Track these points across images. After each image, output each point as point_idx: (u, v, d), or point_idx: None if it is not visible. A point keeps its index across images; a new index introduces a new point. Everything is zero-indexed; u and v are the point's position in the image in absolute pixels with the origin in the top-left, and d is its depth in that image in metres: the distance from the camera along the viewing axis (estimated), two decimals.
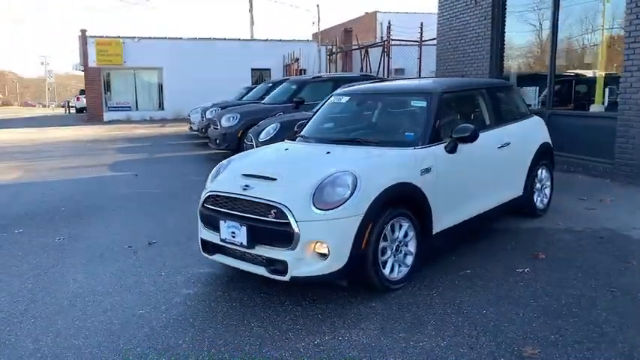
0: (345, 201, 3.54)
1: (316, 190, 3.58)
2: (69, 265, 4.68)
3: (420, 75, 15.96)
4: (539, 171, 5.61)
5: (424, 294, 3.81)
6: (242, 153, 5.08)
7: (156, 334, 3.33)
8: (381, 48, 18.49)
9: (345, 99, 5.17)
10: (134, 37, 27.19)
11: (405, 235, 3.92)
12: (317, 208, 3.51)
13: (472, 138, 4.28)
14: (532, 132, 5.62)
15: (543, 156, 5.65)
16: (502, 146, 4.95)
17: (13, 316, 3.66)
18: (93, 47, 26.54)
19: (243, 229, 3.64)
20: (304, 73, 23.18)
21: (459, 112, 4.97)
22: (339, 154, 4.16)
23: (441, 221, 4.20)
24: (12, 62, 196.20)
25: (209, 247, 4.06)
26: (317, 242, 3.51)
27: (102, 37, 27.03)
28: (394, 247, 3.85)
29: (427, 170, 4.04)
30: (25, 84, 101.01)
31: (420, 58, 16.32)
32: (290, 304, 3.68)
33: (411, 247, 3.97)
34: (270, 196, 3.60)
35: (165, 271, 4.44)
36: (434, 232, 4.13)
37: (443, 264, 4.37)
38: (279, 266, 3.55)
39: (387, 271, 3.78)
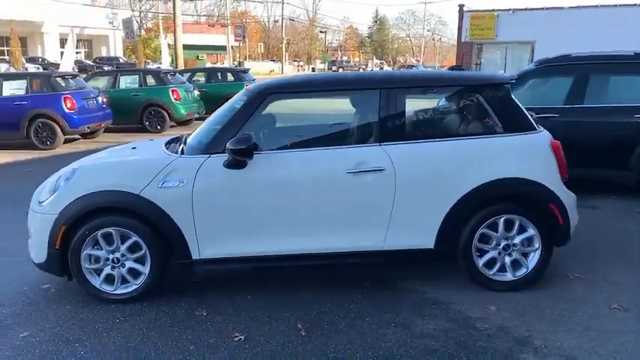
0: (48, 198, 3.60)
1: (54, 183, 3.75)
2: None
3: None
4: (501, 221, 3.67)
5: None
6: None
7: None
8: None
9: None
10: (509, 10, 26.28)
11: (134, 249, 3.59)
12: (41, 200, 3.70)
13: (247, 153, 3.42)
14: (481, 159, 3.67)
15: (513, 200, 3.69)
16: (361, 172, 3.55)
17: None
18: (467, 21, 27.00)
19: None
20: None
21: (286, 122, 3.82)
22: (132, 151, 4.08)
23: (213, 247, 3.60)
24: None
25: None
26: (30, 231, 3.72)
27: (477, 10, 27.16)
28: (114, 259, 3.61)
29: (176, 184, 3.52)
30: None
31: None
32: None
33: (141, 264, 3.68)
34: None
35: None
36: (197, 257, 3.62)
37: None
38: None
39: (98, 281, 3.65)
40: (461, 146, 3.71)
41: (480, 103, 3.88)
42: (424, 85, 3.91)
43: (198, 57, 51.03)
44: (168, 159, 3.67)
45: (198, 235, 3.62)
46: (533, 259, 3.78)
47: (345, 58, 72.70)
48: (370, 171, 3.61)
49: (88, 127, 10.92)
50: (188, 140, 3.99)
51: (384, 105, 3.73)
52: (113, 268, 3.69)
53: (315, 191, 3.63)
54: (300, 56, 78.58)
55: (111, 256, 3.67)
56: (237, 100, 4.01)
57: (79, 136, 11.62)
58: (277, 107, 3.94)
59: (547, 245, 3.76)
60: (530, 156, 3.73)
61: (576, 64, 6.66)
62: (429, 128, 4.22)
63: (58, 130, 10.37)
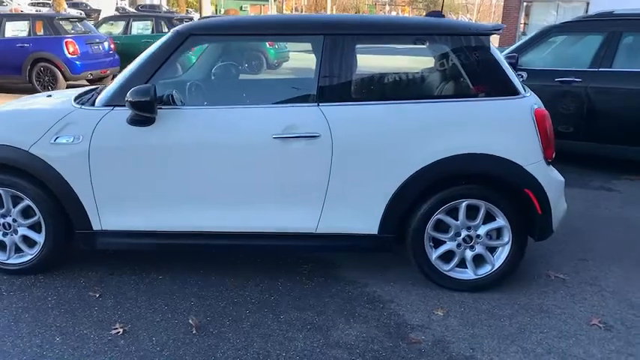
0: None
1: None
2: None
3: None
4: (462, 207, 2.98)
5: None
6: None
7: None
8: None
9: None
10: None
11: (28, 214, 3.13)
12: None
13: (148, 107, 2.84)
14: (440, 128, 2.94)
15: (478, 181, 2.98)
16: (291, 137, 2.91)
17: None
18: None
19: None
20: None
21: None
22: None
23: (116, 217, 3.07)
24: None
25: None
26: None
27: None
28: (4, 224, 3.16)
29: (70, 140, 2.97)
30: None
31: None
32: None
33: (37, 232, 3.19)
34: None
35: None
36: (99, 228, 3.09)
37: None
38: None
39: None
40: (416, 111, 2.97)
41: (448, 58, 3.10)
42: (379, 32, 3.12)
43: (241, 8, 50.09)
44: (65, 111, 3.08)
45: (97, 203, 3.07)
46: (502, 255, 3.06)
47: (393, 14, 70.06)
48: (302, 137, 2.94)
49: (91, 74, 10.50)
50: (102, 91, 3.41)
51: (328, 55, 3.01)
52: (5, 234, 3.20)
53: (235, 158, 2.99)
54: (347, 10, 76.22)
55: (1, 221, 3.19)
56: (157, 43, 3.37)
57: (86, 82, 11.24)
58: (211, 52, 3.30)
59: (520, 240, 3.03)
60: (503, 127, 2.96)
61: (607, 20, 5.65)
62: (380, 88, 3.45)
63: (60, 75, 9.98)
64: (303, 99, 3.06)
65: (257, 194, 3.03)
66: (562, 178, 3.15)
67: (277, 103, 3.12)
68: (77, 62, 10.07)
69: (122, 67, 11.43)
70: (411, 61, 3.78)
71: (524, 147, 2.95)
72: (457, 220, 3.01)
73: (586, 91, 5.51)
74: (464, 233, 3.03)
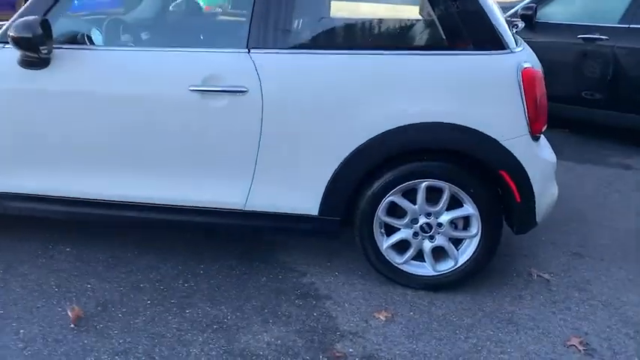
0: None
1: None
2: None
3: None
4: (421, 188, 2.38)
5: None
6: None
7: None
8: None
9: None
10: None
11: None
12: None
13: (31, 45, 2.31)
14: (397, 88, 2.31)
15: (442, 158, 2.37)
16: (211, 91, 2.34)
17: None
18: None
19: None
20: None
21: None
22: None
23: (7, 178, 2.61)
24: None
25: None
26: None
27: None
28: None
29: None
30: None
31: None
32: None
33: None
34: None
35: None
36: None
37: None
38: None
39: None
40: (367, 65, 2.34)
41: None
42: None
43: None
44: None
45: None
46: (468, 249, 2.47)
47: None
48: (225, 91, 2.37)
49: None
50: None
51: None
52: None
53: (144, 114, 2.44)
54: None
55: None
56: None
57: None
58: None
59: (491, 232, 2.42)
60: (478, 90, 2.30)
61: None
62: (328, 34, 2.78)
63: None
64: (232, 42, 2.46)
65: (172, 159, 2.49)
66: (553, 158, 2.51)
67: (199, 46, 2.53)
68: None
69: None
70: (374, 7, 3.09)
71: (503, 117, 2.30)
72: (414, 204, 2.43)
73: (613, 51, 4.73)
74: (422, 220, 2.44)
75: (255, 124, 2.38)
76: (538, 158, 2.38)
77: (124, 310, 2.32)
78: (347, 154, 2.36)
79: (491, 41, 2.33)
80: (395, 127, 2.29)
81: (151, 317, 2.28)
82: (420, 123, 2.28)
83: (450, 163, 2.35)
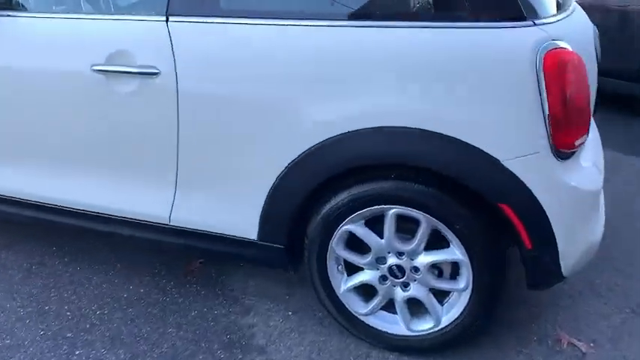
0: None
1: None
2: None
3: None
4: (389, 216, 1.68)
5: None
6: None
7: None
8: None
9: None
10: None
11: None
12: None
13: None
14: (359, 74, 1.59)
15: (418, 177, 1.63)
16: (115, 71, 1.80)
17: None
18: None
19: None
20: None
21: None
22: None
23: None
24: None
25: None
26: None
27: None
28: None
29: None
30: None
31: None
32: None
33: None
34: None
35: None
36: None
37: None
38: None
39: None
40: (320, 40, 1.65)
41: None
42: None
43: None
44: None
45: None
46: (455, 307, 1.75)
47: None
48: (131, 73, 1.80)
49: None
50: None
51: None
52: None
53: (45, 94, 1.94)
54: None
55: None
56: None
57: None
58: None
59: (486, 287, 1.69)
60: (474, 82, 1.53)
61: None
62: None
63: None
64: (150, 8, 1.87)
65: (79, 156, 1.99)
66: (592, 185, 1.69)
67: (108, 12, 1.96)
68: None
69: None
70: None
71: (509, 123, 1.53)
72: (382, 237, 1.74)
73: None
74: (391, 260, 1.76)
75: (171, 116, 1.79)
76: (564, 186, 1.57)
77: (7, 342, 1.89)
78: (289, 162, 1.71)
79: (503, 9, 1.54)
80: (352, 130, 1.59)
81: (32, 355, 1.83)
82: (387, 128, 1.57)
83: (427, 185, 1.62)
